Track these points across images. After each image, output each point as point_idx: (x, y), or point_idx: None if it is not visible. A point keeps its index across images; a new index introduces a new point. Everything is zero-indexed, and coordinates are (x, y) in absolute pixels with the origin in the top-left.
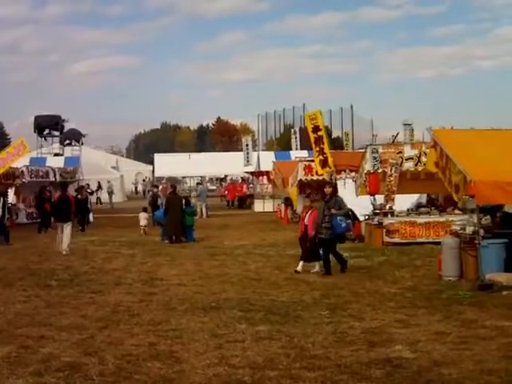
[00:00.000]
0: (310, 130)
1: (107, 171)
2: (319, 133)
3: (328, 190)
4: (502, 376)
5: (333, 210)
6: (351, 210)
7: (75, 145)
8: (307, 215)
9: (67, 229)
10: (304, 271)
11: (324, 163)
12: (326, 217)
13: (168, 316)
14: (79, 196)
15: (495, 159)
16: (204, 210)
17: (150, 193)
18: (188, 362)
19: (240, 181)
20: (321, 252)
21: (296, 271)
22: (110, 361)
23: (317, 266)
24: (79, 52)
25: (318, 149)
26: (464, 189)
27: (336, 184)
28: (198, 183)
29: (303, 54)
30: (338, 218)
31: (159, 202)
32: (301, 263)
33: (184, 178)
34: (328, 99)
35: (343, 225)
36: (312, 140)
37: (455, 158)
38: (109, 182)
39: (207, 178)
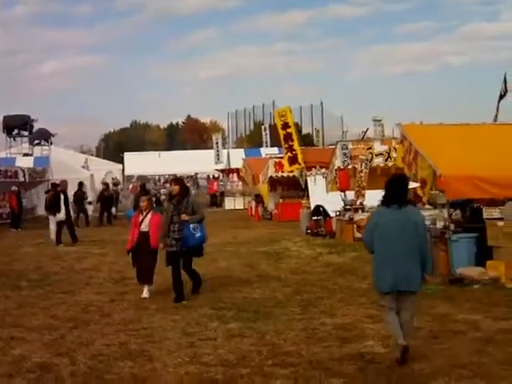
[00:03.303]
0: (279, 126)
1: (77, 171)
2: (288, 129)
3: (175, 188)
4: (474, 370)
5: (183, 216)
6: (322, 207)
7: (45, 144)
8: (145, 219)
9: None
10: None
11: (293, 160)
12: (176, 224)
13: (139, 315)
14: (105, 193)
15: (464, 154)
16: None
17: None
18: (160, 360)
19: (211, 178)
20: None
21: (144, 298)
22: (81, 361)
23: (145, 290)
24: (48, 52)
25: (286, 145)
26: (433, 183)
27: (184, 181)
28: (164, 182)
29: (273, 52)
30: (191, 225)
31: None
32: (145, 288)
33: (156, 176)
34: (298, 96)
35: (198, 234)
36: (281, 137)
37: (425, 152)
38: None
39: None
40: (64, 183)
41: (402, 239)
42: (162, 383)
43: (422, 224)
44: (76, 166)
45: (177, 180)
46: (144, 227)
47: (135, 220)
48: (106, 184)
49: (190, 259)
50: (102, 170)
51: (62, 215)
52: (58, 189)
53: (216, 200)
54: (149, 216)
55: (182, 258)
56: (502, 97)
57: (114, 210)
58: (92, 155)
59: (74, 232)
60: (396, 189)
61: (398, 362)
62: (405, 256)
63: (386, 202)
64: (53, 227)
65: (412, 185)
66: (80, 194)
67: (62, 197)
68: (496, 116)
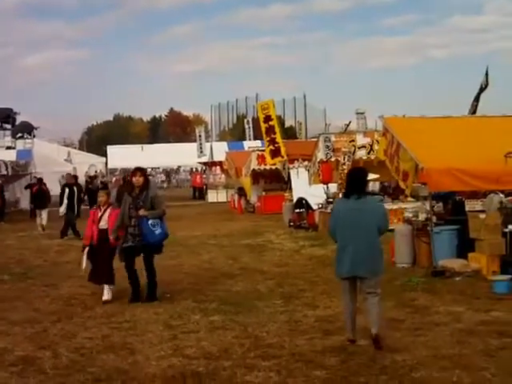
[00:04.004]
0: (261, 119)
1: (60, 164)
2: (271, 122)
3: (138, 179)
4: (455, 361)
5: (141, 211)
6: (304, 199)
7: (27, 138)
8: (104, 215)
9: (44, 214)
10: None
11: (275, 153)
12: (133, 219)
13: (121, 308)
14: (89, 186)
15: (446, 146)
16: None
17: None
18: (142, 353)
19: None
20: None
21: (106, 301)
22: (64, 354)
23: (105, 291)
24: (31, 45)
25: (268, 138)
26: (415, 176)
27: (147, 173)
28: (167, 174)
29: (256, 45)
30: (150, 221)
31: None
32: (106, 289)
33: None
34: (281, 89)
35: (158, 231)
36: (263, 130)
37: (407, 145)
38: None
39: (161, 169)
40: (69, 176)
41: (360, 227)
42: (144, 376)
43: (380, 212)
44: (59, 160)
45: (141, 170)
46: (103, 224)
47: (93, 216)
48: (90, 177)
49: (151, 256)
50: (85, 164)
51: (62, 209)
52: (42, 184)
53: (200, 193)
54: (108, 211)
55: (143, 253)
56: (482, 90)
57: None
58: (75, 148)
59: (74, 226)
60: (355, 181)
61: (351, 342)
62: (362, 243)
63: (346, 193)
64: (39, 220)
65: (371, 176)
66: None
67: (67, 191)
68: (476, 108)
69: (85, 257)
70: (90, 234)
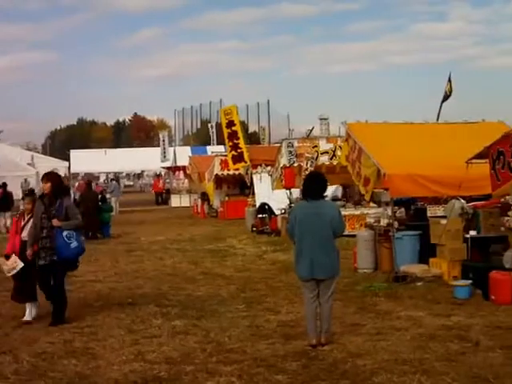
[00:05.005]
0: (224, 124)
1: (23, 168)
2: (234, 127)
3: (46, 185)
4: (415, 365)
5: (55, 221)
6: (267, 204)
7: None
8: (27, 225)
9: (7, 216)
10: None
11: (238, 158)
12: (45, 230)
13: (83, 313)
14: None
15: (408, 152)
16: (116, 206)
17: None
18: (104, 358)
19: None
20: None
21: (26, 322)
22: (25, 359)
23: (27, 311)
24: None
25: (231, 144)
26: (377, 182)
27: (59, 177)
28: (111, 179)
29: (220, 50)
30: (65, 233)
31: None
32: (29, 308)
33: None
34: (245, 94)
35: (73, 244)
36: (226, 135)
37: (369, 151)
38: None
39: (124, 174)
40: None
41: (316, 230)
42: (106, 381)
43: (335, 216)
44: (22, 164)
45: (48, 175)
46: (26, 235)
47: (16, 226)
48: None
49: (63, 273)
50: (49, 168)
51: None
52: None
53: (161, 198)
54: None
55: (54, 270)
56: (447, 97)
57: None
58: (38, 152)
59: None
60: (313, 185)
61: (313, 347)
62: (319, 245)
63: (304, 196)
64: (3, 222)
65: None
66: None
67: None
68: (438, 114)
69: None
70: (12, 246)
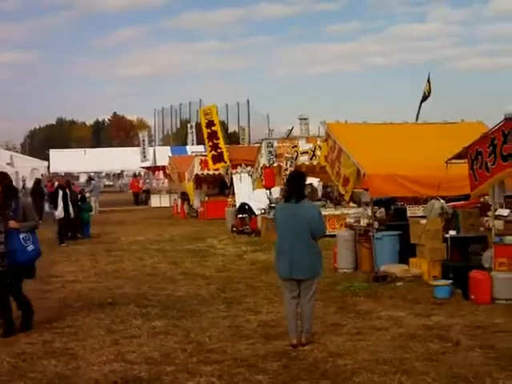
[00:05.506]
0: (203, 124)
1: (2, 168)
2: (213, 127)
3: None
4: (396, 365)
5: (12, 223)
6: (247, 204)
7: None
8: None
9: None
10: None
11: (217, 158)
12: (1, 234)
13: (63, 313)
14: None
15: (388, 152)
16: (96, 205)
17: None
18: (84, 358)
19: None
20: None
21: None
22: (5, 359)
23: None
24: None
25: (210, 144)
26: (357, 182)
27: (9, 177)
28: (90, 178)
29: (200, 50)
30: (22, 235)
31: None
32: None
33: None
34: (225, 94)
35: (30, 247)
36: (205, 135)
37: (348, 151)
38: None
39: (104, 174)
40: (61, 179)
41: (296, 230)
42: (86, 381)
43: (315, 216)
44: (1, 163)
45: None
46: None
47: None
48: (37, 180)
49: (20, 280)
50: (28, 168)
51: (59, 212)
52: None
53: (140, 198)
54: None
55: (9, 279)
56: (426, 97)
57: (46, 206)
58: (17, 152)
59: (67, 232)
60: (293, 185)
61: (293, 347)
62: (298, 246)
63: (285, 197)
64: None
65: (309, 180)
66: None
67: (61, 193)
68: (418, 114)
69: None
70: None
